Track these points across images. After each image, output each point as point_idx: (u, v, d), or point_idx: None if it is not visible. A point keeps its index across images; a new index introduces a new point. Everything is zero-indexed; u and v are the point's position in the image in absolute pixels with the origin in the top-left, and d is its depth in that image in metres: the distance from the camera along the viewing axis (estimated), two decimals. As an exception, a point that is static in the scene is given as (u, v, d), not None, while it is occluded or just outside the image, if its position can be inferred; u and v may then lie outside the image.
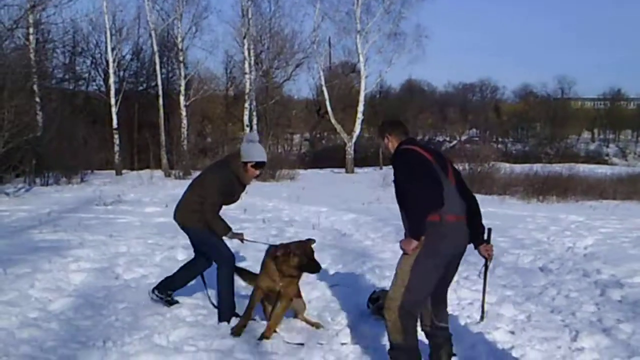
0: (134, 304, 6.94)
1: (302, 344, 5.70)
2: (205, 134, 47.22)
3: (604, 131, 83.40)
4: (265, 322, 6.12)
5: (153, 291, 6.81)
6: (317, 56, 38.14)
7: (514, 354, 5.36)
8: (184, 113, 34.24)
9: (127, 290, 7.62)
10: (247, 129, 34.41)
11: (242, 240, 6.55)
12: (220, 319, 6.28)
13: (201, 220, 6.32)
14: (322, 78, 37.66)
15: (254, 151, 6.27)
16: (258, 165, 6.29)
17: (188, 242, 8.92)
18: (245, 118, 34.72)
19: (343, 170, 35.93)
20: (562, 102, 79.44)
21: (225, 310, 6.34)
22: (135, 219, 13.54)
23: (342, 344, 5.71)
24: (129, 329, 6.06)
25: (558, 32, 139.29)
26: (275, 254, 5.90)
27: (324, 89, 37.51)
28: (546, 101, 78.67)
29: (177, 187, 23.18)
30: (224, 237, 6.40)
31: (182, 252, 9.55)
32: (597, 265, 8.74)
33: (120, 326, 6.16)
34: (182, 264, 7.11)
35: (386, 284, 7.93)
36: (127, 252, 9.77)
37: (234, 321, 6.10)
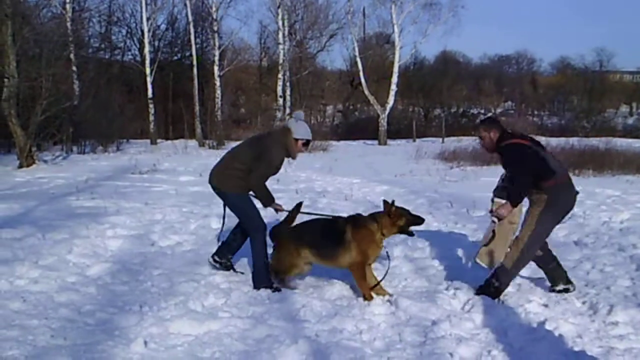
0: (169, 270, 7.08)
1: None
2: (239, 105, 47.33)
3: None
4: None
5: (213, 257, 6.96)
6: (352, 27, 37.75)
7: (547, 326, 5.33)
8: (217, 83, 34.24)
9: (163, 257, 7.77)
10: (281, 100, 34.40)
11: (282, 210, 6.77)
12: (255, 286, 6.39)
13: (240, 186, 6.47)
14: (356, 49, 37.30)
15: (304, 129, 6.60)
16: (307, 142, 6.64)
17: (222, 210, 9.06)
18: (279, 89, 34.64)
19: (376, 142, 35.74)
20: (600, 75, 77.78)
21: (259, 278, 6.44)
22: (170, 187, 13.71)
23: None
24: (164, 294, 6.19)
25: (596, 2, 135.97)
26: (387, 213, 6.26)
27: (358, 60, 37.17)
28: (584, 74, 77.05)
29: (211, 157, 23.32)
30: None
31: (216, 221, 9.63)
32: (633, 240, 8.62)
33: (156, 292, 6.30)
34: (219, 232, 7.22)
35: (419, 254, 7.99)
36: (162, 219, 9.92)
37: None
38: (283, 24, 34.37)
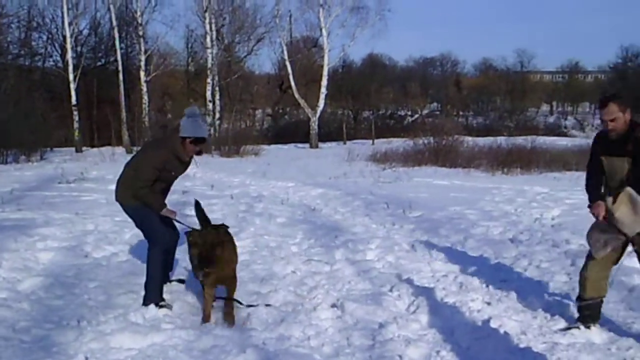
0: (106, 282, 6.85)
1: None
2: (166, 110, 46.56)
3: (562, 104, 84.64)
4: None
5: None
6: (280, 30, 37.81)
7: (492, 324, 5.38)
8: (144, 89, 33.64)
9: (98, 268, 7.50)
10: (210, 105, 34.03)
11: (173, 219, 6.26)
12: (145, 302, 5.96)
13: (133, 196, 6.06)
14: (285, 52, 37.35)
15: (194, 127, 5.96)
16: (197, 141, 5.98)
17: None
18: (208, 93, 34.28)
19: (307, 145, 35.82)
20: (522, 75, 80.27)
21: (152, 293, 6.00)
22: (101, 196, 13.29)
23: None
24: (102, 307, 5.97)
25: (517, 5, 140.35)
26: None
27: (287, 63, 37.21)
28: (506, 75, 79.36)
29: (140, 164, 22.92)
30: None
31: (152, 230, 9.43)
32: (565, 235, 8.82)
33: (94, 305, 6.07)
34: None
35: (360, 257, 7.98)
36: (95, 230, 9.60)
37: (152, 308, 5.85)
38: (210, 28, 34.02)
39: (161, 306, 5.92)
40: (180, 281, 6.77)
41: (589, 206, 5.25)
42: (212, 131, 32.93)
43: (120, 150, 29.86)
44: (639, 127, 4.94)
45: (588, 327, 5.27)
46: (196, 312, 5.89)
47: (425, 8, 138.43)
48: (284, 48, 37.36)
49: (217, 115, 34.29)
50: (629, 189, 4.85)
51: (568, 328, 5.33)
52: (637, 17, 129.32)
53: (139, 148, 6.53)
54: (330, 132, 43.82)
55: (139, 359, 4.79)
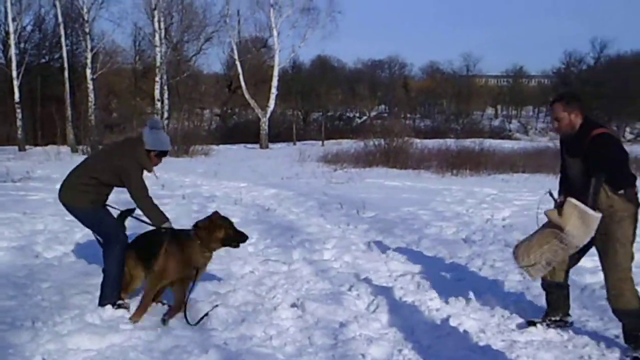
0: (59, 282, 6.68)
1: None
2: (111, 109, 45.80)
3: (507, 107, 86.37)
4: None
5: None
6: (230, 30, 37.59)
7: (452, 323, 5.45)
8: (90, 87, 32.97)
9: (50, 269, 7.32)
10: (159, 104, 33.59)
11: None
12: (101, 302, 5.84)
13: (90, 201, 5.92)
14: (235, 52, 37.15)
15: (159, 140, 5.93)
16: (161, 154, 5.98)
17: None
18: (156, 92, 33.79)
19: (257, 145, 35.71)
20: (467, 79, 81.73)
21: (110, 292, 5.87)
22: (48, 195, 12.96)
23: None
24: (57, 308, 5.82)
25: (464, 9, 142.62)
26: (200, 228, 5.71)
27: (238, 63, 37.02)
28: (452, 78, 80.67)
29: (88, 163, 22.47)
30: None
31: (103, 230, 9.26)
32: (516, 235, 8.95)
33: (48, 306, 5.91)
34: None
35: (317, 257, 7.98)
36: (45, 229, 9.38)
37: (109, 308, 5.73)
38: (159, 26, 33.58)
39: (118, 306, 5.81)
40: None
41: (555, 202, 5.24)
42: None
43: (65, 149, 29.24)
44: (594, 131, 4.91)
45: (551, 321, 5.39)
46: (155, 312, 5.78)
47: (373, 11, 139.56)
48: (234, 48, 37.15)
49: (166, 115, 33.84)
50: (572, 201, 4.83)
51: (529, 324, 5.45)
52: (580, 23, 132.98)
53: (93, 152, 6.37)
54: (280, 133, 43.78)
55: (98, 360, 4.70)
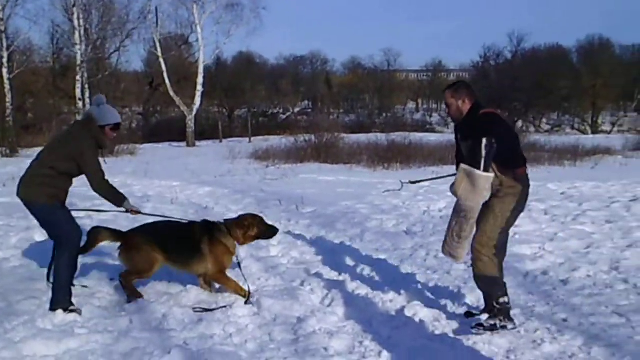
0: (3, 288, 6.48)
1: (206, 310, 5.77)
2: (26, 109, 44.20)
3: (428, 101, 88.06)
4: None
5: (47, 282, 6.24)
6: (153, 27, 36.87)
7: (407, 313, 5.57)
8: (7, 87, 31.74)
9: (-11, 275, 7.06)
10: (80, 103, 32.68)
11: (138, 213, 6.37)
12: (52, 306, 5.73)
13: (48, 195, 5.79)
14: (159, 49, 36.46)
15: (109, 113, 5.97)
16: (116, 126, 6.03)
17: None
18: (77, 91, 32.78)
19: (183, 143, 35.23)
20: (389, 74, 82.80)
21: (62, 297, 5.79)
22: (-27, 200, 12.49)
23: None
24: (5, 315, 5.63)
25: (384, 5, 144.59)
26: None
27: (161, 60, 36.37)
28: (373, 73, 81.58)
29: (8, 165, 21.73)
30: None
31: (40, 233, 8.93)
32: (455, 226, 9.20)
33: (-5, 313, 5.71)
34: (43, 247, 6.55)
35: (264, 253, 7.98)
36: (-23, 235, 9.03)
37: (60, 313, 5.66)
38: (79, 23, 32.62)
39: (70, 310, 5.69)
40: (84, 286, 6.49)
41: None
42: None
43: (-17, 150, 28.08)
44: (483, 110, 5.22)
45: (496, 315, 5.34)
46: (108, 315, 5.68)
47: (293, 6, 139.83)
48: (158, 45, 36.47)
49: (88, 114, 32.92)
50: (463, 166, 5.05)
51: (471, 315, 5.61)
52: (497, 18, 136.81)
53: (47, 144, 6.25)
54: (205, 130, 43.24)
55: (56, 366, 4.59)
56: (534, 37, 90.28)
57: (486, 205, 5.11)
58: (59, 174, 5.78)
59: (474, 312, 5.65)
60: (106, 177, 5.94)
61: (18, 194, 5.93)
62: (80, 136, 5.86)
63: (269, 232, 6.47)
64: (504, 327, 5.09)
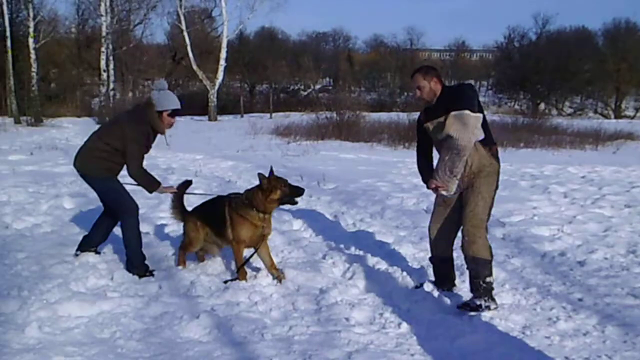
0: (36, 253, 6.73)
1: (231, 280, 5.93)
2: (50, 79, 44.60)
3: (450, 81, 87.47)
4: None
5: (75, 254, 6.57)
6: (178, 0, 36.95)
7: (426, 288, 5.73)
8: (33, 56, 32.02)
9: (23, 239, 7.36)
10: (104, 74, 32.94)
11: (174, 192, 6.55)
12: (133, 272, 6.10)
13: (104, 168, 6.12)
14: (184, 22, 36.55)
15: (168, 99, 6.19)
16: (174, 112, 6.23)
17: (73, 190, 8.69)
18: (102, 63, 33.00)
19: (204, 117, 35.42)
20: (411, 52, 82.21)
21: (136, 262, 6.18)
22: (3, 167, 12.80)
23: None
24: (39, 277, 5.89)
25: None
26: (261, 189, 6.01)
27: (185, 34, 36.44)
28: (396, 52, 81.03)
29: (34, 134, 22.14)
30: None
31: (69, 201, 9.31)
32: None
33: (29, 275, 5.99)
34: (73, 214, 6.83)
35: (287, 227, 8.15)
36: (9, 201, 9.32)
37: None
38: (105, -5, 32.78)
39: (150, 273, 6.14)
40: (97, 252, 6.70)
41: (427, 187, 5.67)
42: (107, 101, 32.13)
43: (8, 120, 28.50)
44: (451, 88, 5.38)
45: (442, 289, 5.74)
46: (138, 281, 5.92)
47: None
48: (182, 18, 36.55)
49: (112, 86, 33.27)
50: (452, 113, 5.03)
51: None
52: (522, 1, 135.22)
53: (108, 120, 6.54)
54: (226, 105, 43.39)
55: (91, 326, 4.82)
56: (559, 19, 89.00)
57: (472, 188, 5.28)
58: (114, 150, 6.06)
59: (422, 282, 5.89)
60: (142, 165, 6.18)
61: (75, 165, 6.26)
62: (134, 120, 6.15)
63: (294, 192, 6.10)
64: (487, 308, 5.20)
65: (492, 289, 5.31)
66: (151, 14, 42.64)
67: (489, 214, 5.38)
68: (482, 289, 5.24)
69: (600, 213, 9.11)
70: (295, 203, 6.26)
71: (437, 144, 5.43)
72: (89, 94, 41.63)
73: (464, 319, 5.12)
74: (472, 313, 5.17)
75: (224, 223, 6.15)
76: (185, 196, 6.64)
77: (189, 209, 6.61)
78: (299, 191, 6.18)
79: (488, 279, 5.27)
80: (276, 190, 6.03)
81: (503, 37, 66.29)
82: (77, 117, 32.71)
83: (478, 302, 5.20)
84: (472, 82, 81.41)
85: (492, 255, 5.37)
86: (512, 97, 59.54)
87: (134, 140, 6.03)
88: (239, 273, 5.98)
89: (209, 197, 6.69)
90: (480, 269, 5.28)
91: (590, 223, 8.46)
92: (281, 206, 6.32)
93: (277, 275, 6.02)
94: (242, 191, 6.33)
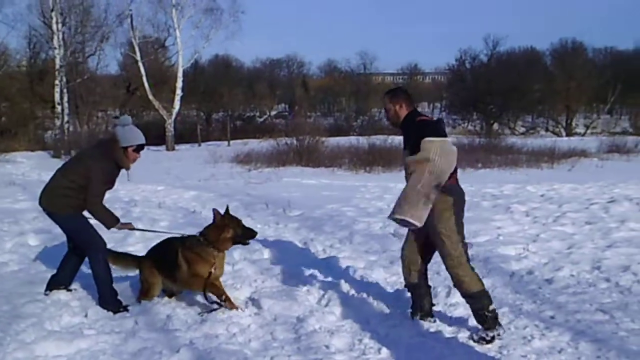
0: (5, 292, 6.63)
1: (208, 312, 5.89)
2: (1, 114, 43.78)
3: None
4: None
5: (45, 293, 6.46)
6: (129, 30, 36.81)
7: (402, 312, 5.80)
8: (-15, 91, 31.53)
9: (-11, 280, 7.19)
10: (59, 107, 32.49)
11: (132, 229, 6.53)
12: (107, 308, 6.04)
13: (70, 205, 6.07)
14: (138, 53, 36.39)
15: (133, 135, 6.16)
16: (139, 147, 6.21)
17: (36, 226, 8.61)
18: (57, 96, 32.53)
19: (161, 147, 35.18)
20: (365, 77, 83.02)
21: (109, 298, 6.12)
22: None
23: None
24: (12, 317, 5.80)
25: (360, 7, 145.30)
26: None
27: (140, 64, 36.31)
28: (350, 76, 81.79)
29: (-12, 171, 21.67)
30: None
31: (34, 238, 9.19)
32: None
33: (1, 315, 5.87)
34: (38, 251, 6.76)
35: (257, 256, 8.16)
36: (-28, 240, 9.12)
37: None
38: (58, 28, 32.43)
39: (124, 309, 6.06)
40: (69, 290, 6.60)
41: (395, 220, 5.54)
42: (61, 135, 31.70)
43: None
44: (417, 118, 5.29)
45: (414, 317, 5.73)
46: (113, 317, 5.86)
47: (269, 9, 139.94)
48: (136, 48, 36.39)
49: (66, 119, 32.83)
50: (426, 139, 4.96)
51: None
52: (473, 22, 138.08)
53: (72, 155, 6.49)
54: (183, 134, 43.19)
55: (70, 366, 4.76)
56: (509, 41, 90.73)
57: (431, 229, 5.24)
58: (79, 187, 6.01)
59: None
60: (102, 201, 6.12)
61: (40, 204, 6.21)
62: (99, 156, 6.11)
63: (247, 234, 6.20)
64: (499, 335, 5.24)
65: (497, 315, 5.34)
66: (105, 44, 42.22)
67: (462, 243, 5.32)
68: (489, 318, 5.25)
69: (562, 230, 9.35)
70: (247, 244, 6.41)
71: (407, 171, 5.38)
72: (42, 128, 41.02)
73: (442, 342, 5.20)
74: (488, 346, 5.16)
75: (177, 268, 6.10)
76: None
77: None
78: (252, 233, 6.29)
79: (491, 307, 5.28)
80: (229, 229, 6.08)
81: (455, 59, 67.34)
82: (30, 152, 32.19)
83: (491, 334, 5.22)
84: (425, 104, 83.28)
85: (483, 284, 5.36)
86: (465, 118, 60.52)
87: (97, 176, 5.99)
88: (227, 302, 5.95)
89: (162, 238, 6.57)
90: (479, 302, 5.29)
91: (553, 241, 8.66)
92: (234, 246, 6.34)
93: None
94: (206, 223, 6.33)
